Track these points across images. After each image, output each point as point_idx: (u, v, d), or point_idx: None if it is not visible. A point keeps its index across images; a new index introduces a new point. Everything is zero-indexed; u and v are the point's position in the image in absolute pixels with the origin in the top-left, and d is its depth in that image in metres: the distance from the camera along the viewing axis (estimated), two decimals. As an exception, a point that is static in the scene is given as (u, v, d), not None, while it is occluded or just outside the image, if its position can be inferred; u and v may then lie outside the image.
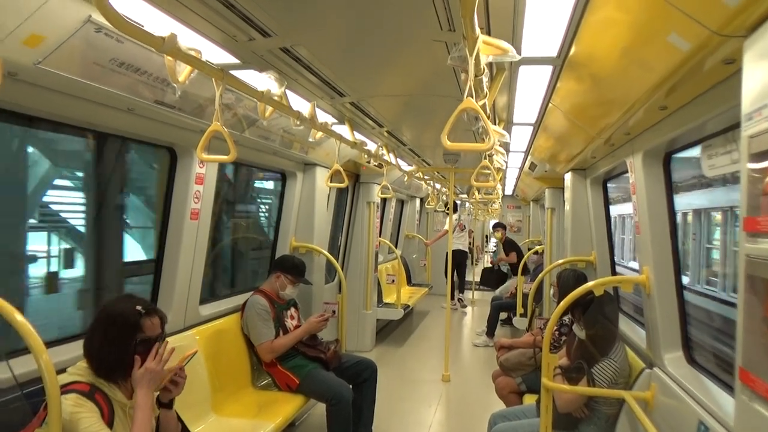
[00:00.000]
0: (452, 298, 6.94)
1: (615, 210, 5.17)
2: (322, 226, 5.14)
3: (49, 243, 3.51)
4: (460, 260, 9.85)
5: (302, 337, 3.81)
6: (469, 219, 12.03)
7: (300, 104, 3.16)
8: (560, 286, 3.70)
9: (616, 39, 1.95)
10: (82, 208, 3.44)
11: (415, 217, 10.96)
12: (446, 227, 8.81)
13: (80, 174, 3.66)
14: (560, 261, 4.71)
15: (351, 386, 3.77)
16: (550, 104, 3.12)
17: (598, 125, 2.89)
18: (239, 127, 3.19)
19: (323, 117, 3.61)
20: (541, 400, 2.82)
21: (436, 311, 9.55)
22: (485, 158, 3.58)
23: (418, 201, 10.83)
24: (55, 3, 1.68)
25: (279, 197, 4.88)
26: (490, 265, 10.58)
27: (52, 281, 3.45)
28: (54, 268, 3.49)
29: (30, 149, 3.13)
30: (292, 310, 4.02)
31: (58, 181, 3.54)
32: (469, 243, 12.11)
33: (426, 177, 7.68)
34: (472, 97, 1.64)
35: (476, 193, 7.67)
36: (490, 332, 7.41)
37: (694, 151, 2.62)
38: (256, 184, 5.57)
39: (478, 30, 1.50)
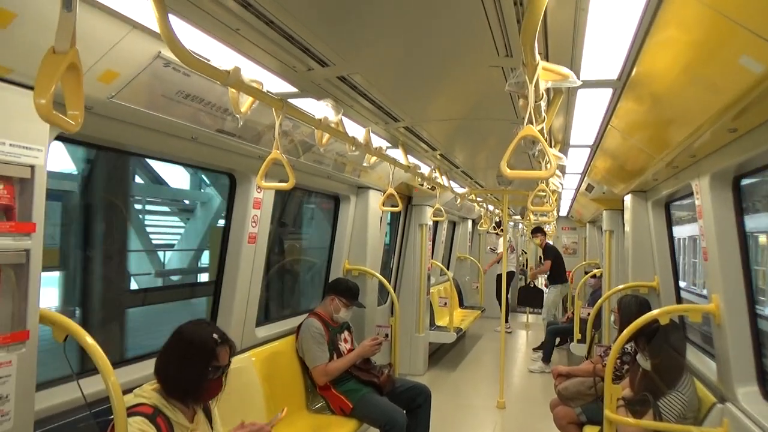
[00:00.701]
0: (507, 320, 6.80)
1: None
2: (375, 248, 5.16)
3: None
4: (508, 281, 9.64)
5: (356, 360, 3.81)
6: (522, 240, 11.79)
7: (355, 129, 3.21)
8: (621, 312, 3.56)
9: (680, 60, 1.89)
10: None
11: (467, 239, 10.85)
12: (500, 249, 8.65)
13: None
14: (621, 286, 4.55)
15: (405, 411, 3.73)
16: (609, 126, 3.05)
17: (660, 147, 2.80)
18: (295, 152, 3.26)
19: (377, 141, 3.65)
20: (604, 434, 2.71)
21: (489, 334, 9.36)
22: (542, 182, 3.52)
23: (470, 222, 10.72)
24: (128, 41, 1.77)
25: (332, 220, 4.94)
26: (524, 284, 10.29)
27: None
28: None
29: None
30: (346, 333, 4.03)
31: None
32: (522, 265, 11.86)
33: (478, 199, 7.61)
34: (532, 123, 1.62)
35: (531, 215, 7.54)
36: (546, 358, 7.20)
37: None
38: (310, 207, 5.66)
39: (538, 57, 1.49)
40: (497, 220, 10.17)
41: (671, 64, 1.96)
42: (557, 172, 4.19)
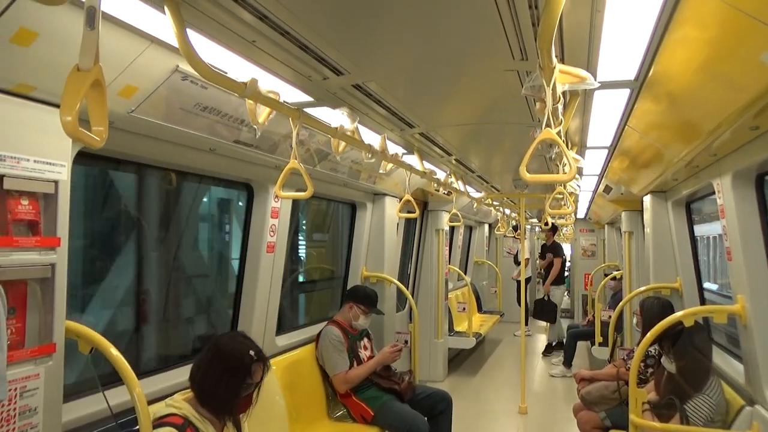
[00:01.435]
0: (526, 324, 6.74)
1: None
2: (392, 255, 5.15)
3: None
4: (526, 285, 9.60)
5: (376, 367, 3.80)
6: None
7: (370, 136, 3.21)
8: (644, 315, 3.52)
9: (699, 58, 1.87)
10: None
11: (484, 243, 10.79)
12: (516, 251, 8.57)
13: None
14: (642, 288, 4.49)
15: (426, 418, 3.71)
16: (627, 127, 3.02)
17: (680, 147, 2.77)
18: (311, 161, 3.28)
19: (392, 148, 3.65)
20: (630, 438, 2.67)
21: (509, 339, 9.29)
22: (560, 184, 3.50)
23: (486, 227, 10.66)
24: (147, 56, 1.80)
25: (349, 228, 4.95)
26: (541, 296, 10.21)
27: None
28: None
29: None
30: (365, 340, 4.03)
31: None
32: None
33: (495, 203, 7.57)
34: (550, 126, 1.61)
35: (549, 218, 7.48)
36: (568, 362, 7.12)
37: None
38: (330, 214, 5.69)
39: (555, 60, 1.48)
40: (514, 223, 10.11)
41: (690, 63, 1.94)
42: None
